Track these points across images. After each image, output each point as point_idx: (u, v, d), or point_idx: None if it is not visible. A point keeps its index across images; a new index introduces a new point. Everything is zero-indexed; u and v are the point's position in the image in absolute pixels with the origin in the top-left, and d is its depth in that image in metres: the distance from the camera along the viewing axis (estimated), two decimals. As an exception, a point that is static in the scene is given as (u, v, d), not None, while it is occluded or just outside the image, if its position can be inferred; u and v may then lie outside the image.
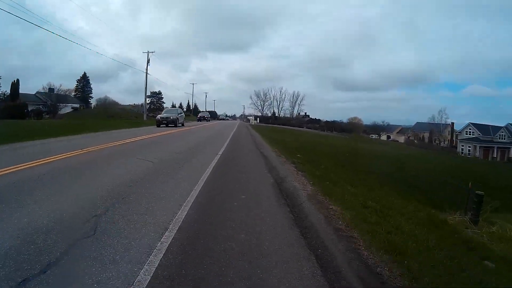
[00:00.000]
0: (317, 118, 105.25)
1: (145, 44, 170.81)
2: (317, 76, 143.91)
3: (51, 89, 58.13)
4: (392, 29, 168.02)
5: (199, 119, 44.83)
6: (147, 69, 40.35)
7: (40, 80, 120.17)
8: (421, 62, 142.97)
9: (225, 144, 12.87)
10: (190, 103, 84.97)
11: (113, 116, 32.63)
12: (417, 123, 77.31)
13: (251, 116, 63.07)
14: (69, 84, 70.75)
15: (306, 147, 14.94)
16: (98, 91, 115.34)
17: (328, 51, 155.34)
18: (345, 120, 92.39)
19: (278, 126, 53.69)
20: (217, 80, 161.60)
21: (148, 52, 40.58)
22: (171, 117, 24.25)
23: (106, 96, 58.80)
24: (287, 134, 25.99)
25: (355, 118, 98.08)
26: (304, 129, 58.34)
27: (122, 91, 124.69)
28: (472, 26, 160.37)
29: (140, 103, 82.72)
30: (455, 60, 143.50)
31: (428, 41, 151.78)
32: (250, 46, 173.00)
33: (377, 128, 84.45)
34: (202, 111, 66.79)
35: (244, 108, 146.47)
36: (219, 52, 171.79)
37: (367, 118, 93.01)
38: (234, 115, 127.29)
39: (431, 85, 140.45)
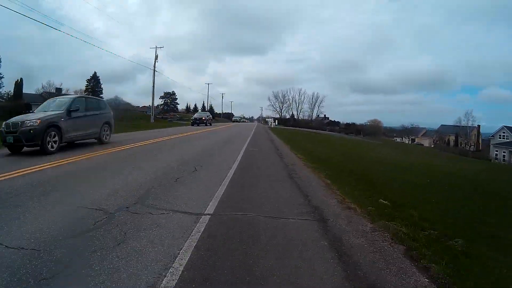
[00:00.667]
0: (336, 121, 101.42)
1: (161, 45, 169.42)
2: (333, 79, 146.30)
3: (58, 89, 56.21)
4: (408, 33, 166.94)
5: (194, 123, 31.83)
6: (154, 66, 37.15)
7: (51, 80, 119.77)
8: (437, 65, 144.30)
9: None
10: (206, 105, 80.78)
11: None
12: (442, 125, 73.18)
13: (270, 118, 58.30)
14: (81, 84, 69.49)
15: (363, 170, 10.34)
16: (112, 92, 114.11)
17: (344, 55, 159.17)
18: (364, 122, 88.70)
19: (300, 129, 49.29)
20: (234, 83, 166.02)
21: (156, 47, 37.34)
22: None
23: (116, 96, 55.85)
24: (316, 141, 21.72)
25: (375, 120, 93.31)
26: (326, 132, 53.44)
27: (139, 93, 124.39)
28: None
29: (155, 104, 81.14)
30: (471, 63, 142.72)
31: (444, 45, 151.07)
32: (267, 49, 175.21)
33: (399, 131, 78.77)
34: (199, 112, 50.21)
35: (261, 110, 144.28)
36: (236, 55, 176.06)
37: (384, 120, 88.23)
38: (252, 117, 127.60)
39: (448, 88, 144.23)
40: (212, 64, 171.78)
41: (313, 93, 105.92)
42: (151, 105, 39.33)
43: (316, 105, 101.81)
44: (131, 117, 32.44)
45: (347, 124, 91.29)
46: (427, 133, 70.22)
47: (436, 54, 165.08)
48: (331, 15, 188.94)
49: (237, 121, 70.01)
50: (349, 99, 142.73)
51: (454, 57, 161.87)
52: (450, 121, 66.14)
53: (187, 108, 79.96)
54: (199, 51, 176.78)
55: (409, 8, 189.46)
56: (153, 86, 37.16)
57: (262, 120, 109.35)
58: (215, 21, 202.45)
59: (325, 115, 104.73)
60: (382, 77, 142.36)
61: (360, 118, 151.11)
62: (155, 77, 36.80)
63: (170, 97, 71.86)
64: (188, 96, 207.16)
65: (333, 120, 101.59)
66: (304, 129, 53.17)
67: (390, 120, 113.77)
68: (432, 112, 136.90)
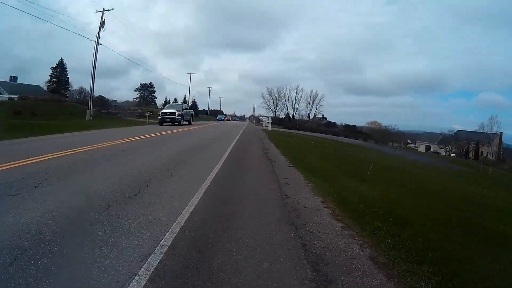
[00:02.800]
0: (333, 122, 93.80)
1: (154, 40, 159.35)
2: (328, 79, 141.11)
3: (13, 78, 46.75)
4: (404, 36, 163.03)
5: (163, 121, 22.74)
6: (98, 36, 27.29)
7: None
8: (433, 69, 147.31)
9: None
10: (187, 98, 69.49)
11: (35, 113, 19.89)
12: (458, 131, 65.36)
13: (264, 117, 47.40)
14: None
15: None
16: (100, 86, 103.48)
17: (339, 55, 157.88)
18: (363, 124, 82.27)
19: (301, 133, 40.55)
20: (227, 79, 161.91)
21: (103, 10, 27.23)
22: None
23: (81, 87, 46.09)
24: (352, 161, 13.10)
25: (375, 122, 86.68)
26: (335, 138, 44.75)
27: (129, 88, 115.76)
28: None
29: (132, 98, 70.33)
30: (468, 67, 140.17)
31: (440, 49, 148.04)
32: (263, 47, 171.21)
33: (407, 135, 71.15)
34: (172, 104, 35.79)
35: (254, 107, 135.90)
36: (230, 52, 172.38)
37: (382, 123, 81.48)
38: (244, 115, 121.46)
39: (443, 92, 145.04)
40: (206, 60, 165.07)
41: (312, 91, 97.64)
42: (90, 93, 27.89)
43: (314, 104, 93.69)
44: (69, 113, 23.25)
45: (347, 126, 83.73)
46: (444, 139, 62.32)
47: (433, 57, 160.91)
48: (327, 14, 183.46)
49: (222, 120, 60.05)
50: (344, 100, 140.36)
51: (450, 61, 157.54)
52: (446, 125, 58.84)
53: (166, 102, 69.43)
54: (192, 47, 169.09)
55: (406, 10, 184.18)
56: (94, 65, 26.99)
57: (254, 119, 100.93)
58: (210, 17, 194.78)
59: (322, 115, 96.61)
60: (378, 79, 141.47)
61: (355, 120, 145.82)
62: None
63: (147, 89, 62.33)
64: (181, 93, 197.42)
65: (330, 121, 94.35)
66: (304, 132, 44.57)
67: (386, 122, 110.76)
68: (428, 115, 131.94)
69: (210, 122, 42.36)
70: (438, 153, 58.23)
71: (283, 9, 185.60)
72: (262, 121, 45.49)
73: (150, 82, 62.19)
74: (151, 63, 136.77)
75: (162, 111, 23.98)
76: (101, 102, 36.17)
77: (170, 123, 22.32)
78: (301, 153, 12.42)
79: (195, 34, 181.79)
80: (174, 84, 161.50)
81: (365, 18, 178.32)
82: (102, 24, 26.98)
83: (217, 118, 64.26)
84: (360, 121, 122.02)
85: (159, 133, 13.84)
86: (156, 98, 65.83)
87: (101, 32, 27.30)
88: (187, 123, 25.87)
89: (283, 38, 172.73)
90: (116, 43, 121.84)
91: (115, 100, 57.83)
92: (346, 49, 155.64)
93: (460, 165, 32.82)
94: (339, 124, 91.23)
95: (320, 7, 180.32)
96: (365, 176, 8.71)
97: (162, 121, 22.52)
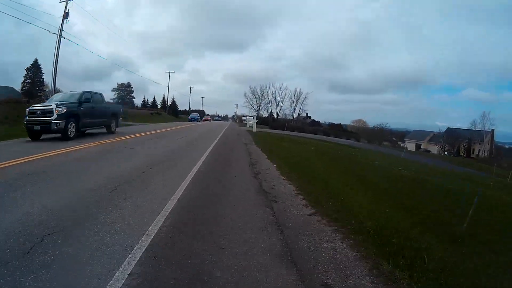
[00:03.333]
0: (317, 120, 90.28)
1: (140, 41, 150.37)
2: (313, 77, 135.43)
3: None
4: (389, 32, 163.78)
5: (30, 130, 10.46)
6: (61, 29, 22.30)
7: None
8: (418, 64, 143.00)
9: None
10: (166, 98, 62.74)
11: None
12: (448, 128, 62.81)
13: (249, 116, 41.59)
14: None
15: None
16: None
17: (324, 52, 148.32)
18: (348, 122, 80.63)
19: (289, 133, 35.90)
20: (211, 80, 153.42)
21: (66, 0, 22.29)
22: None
23: (56, 88, 39.55)
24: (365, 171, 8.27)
25: (360, 120, 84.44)
26: (326, 138, 40.50)
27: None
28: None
29: (109, 99, 62.68)
30: (453, 63, 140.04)
31: (425, 44, 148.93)
32: (246, 46, 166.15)
33: (394, 134, 68.30)
34: (56, 95, 14.21)
35: (236, 107, 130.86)
36: (214, 52, 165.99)
37: (368, 121, 79.17)
38: (227, 115, 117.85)
39: (428, 88, 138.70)
40: (190, 61, 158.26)
41: (296, 89, 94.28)
42: (51, 91, 23.54)
43: (298, 103, 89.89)
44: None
45: (332, 125, 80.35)
46: (435, 137, 59.60)
47: (417, 54, 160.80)
48: (316, 11, 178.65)
49: (196, 121, 45.05)
50: (327, 98, 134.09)
51: (435, 56, 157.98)
52: (431, 122, 56.94)
53: (144, 103, 63.07)
54: (176, 47, 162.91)
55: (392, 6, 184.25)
56: (56, 61, 21.99)
57: (237, 118, 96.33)
58: (194, 16, 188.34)
59: (306, 114, 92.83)
60: (362, 76, 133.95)
61: (339, 118, 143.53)
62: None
63: (125, 89, 55.92)
64: (161, 93, 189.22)
65: (314, 120, 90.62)
66: (292, 133, 40.10)
67: (371, 120, 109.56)
68: (414, 113, 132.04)
69: (183, 123, 32.79)
70: (429, 151, 55.47)
71: (267, 7, 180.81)
72: (245, 121, 40.22)
73: (128, 82, 56.12)
74: (133, 63, 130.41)
75: (29, 108, 10.97)
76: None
77: (47, 134, 10.71)
78: (314, 172, 7.51)
79: (178, 34, 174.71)
80: (157, 85, 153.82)
81: (350, 13, 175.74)
82: (66, 15, 22.78)
83: (189, 118, 47.75)
84: (344, 119, 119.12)
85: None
86: (135, 98, 59.44)
87: (65, 24, 22.70)
88: (99, 129, 13.93)
89: (266, 36, 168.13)
90: (97, 44, 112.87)
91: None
92: (330, 46, 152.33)
93: (463, 165, 29.36)
94: (323, 122, 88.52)
95: (303, 4, 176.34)
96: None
97: (31, 133, 10.49)
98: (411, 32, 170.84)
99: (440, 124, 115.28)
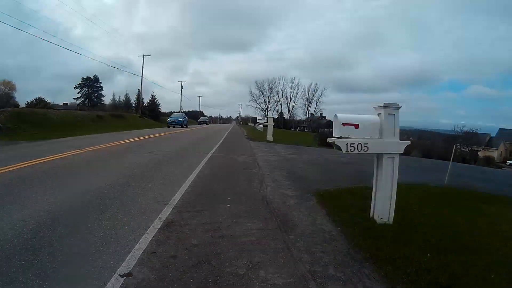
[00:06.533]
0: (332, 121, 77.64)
1: (141, 44, 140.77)
2: (318, 76, 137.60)
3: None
4: (395, 33, 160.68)
5: None
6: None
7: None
8: (425, 63, 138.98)
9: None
10: (140, 92, 44.22)
11: None
12: (501, 129, 51.37)
13: (261, 117, 30.26)
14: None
15: None
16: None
17: (329, 52, 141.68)
18: None
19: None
20: (213, 81, 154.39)
21: None
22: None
23: None
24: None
25: None
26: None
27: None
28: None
29: (69, 102, 48.97)
30: (458, 60, 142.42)
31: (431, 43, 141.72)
32: (250, 47, 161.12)
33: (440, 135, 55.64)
34: None
35: (240, 107, 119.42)
36: (217, 53, 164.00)
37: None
38: (230, 117, 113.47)
39: (433, 86, 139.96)
40: (192, 62, 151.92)
41: (310, 84, 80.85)
42: None
43: (313, 100, 77.03)
44: None
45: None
46: (493, 142, 46.90)
47: (424, 51, 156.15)
48: (321, 10, 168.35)
49: (180, 125, 29.67)
50: (334, 98, 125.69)
51: (441, 54, 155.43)
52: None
53: (114, 102, 48.97)
54: (178, 49, 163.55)
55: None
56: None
57: (241, 121, 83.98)
58: (196, 17, 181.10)
59: (321, 113, 79.70)
60: (368, 75, 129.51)
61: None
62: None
63: (91, 85, 43.99)
64: (170, 97, 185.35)
65: (330, 120, 77.98)
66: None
67: None
68: (417, 111, 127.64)
69: (150, 133, 16.81)
70: (493, 158, 42.72)
71: (270, 6, 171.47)
72: (259, 123, 31.42)
73: (95, 75, 43.74)
74: (133, 64, 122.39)
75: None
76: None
77: None
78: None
79: (180, 35, 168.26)
80: (156, 86, 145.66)
81: (353, 13, 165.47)
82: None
83: (168, 121, 30.11)
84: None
85: None
86: (104, 96, 46.75)
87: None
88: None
89: (270, 37, 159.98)
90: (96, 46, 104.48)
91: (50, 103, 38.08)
92: (335, 45, 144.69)
93: None
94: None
95: (307, 3, 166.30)
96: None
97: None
98: (417, 29, 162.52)
99: (445, 121, 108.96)
